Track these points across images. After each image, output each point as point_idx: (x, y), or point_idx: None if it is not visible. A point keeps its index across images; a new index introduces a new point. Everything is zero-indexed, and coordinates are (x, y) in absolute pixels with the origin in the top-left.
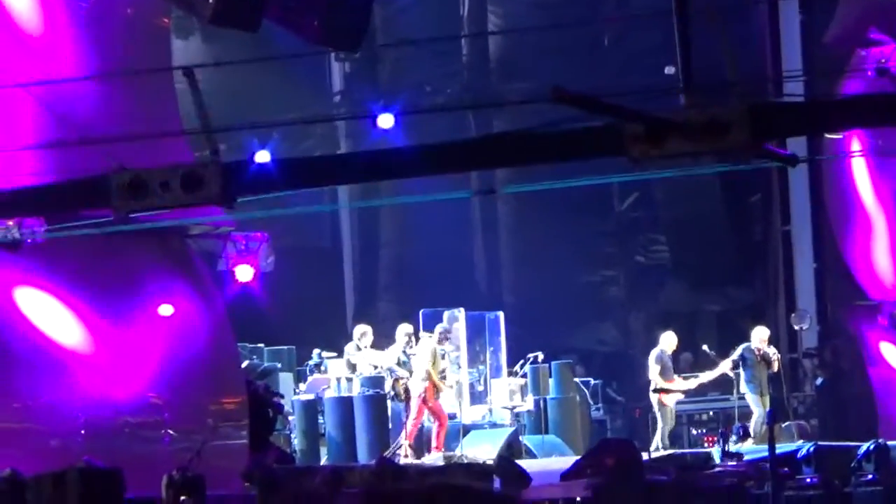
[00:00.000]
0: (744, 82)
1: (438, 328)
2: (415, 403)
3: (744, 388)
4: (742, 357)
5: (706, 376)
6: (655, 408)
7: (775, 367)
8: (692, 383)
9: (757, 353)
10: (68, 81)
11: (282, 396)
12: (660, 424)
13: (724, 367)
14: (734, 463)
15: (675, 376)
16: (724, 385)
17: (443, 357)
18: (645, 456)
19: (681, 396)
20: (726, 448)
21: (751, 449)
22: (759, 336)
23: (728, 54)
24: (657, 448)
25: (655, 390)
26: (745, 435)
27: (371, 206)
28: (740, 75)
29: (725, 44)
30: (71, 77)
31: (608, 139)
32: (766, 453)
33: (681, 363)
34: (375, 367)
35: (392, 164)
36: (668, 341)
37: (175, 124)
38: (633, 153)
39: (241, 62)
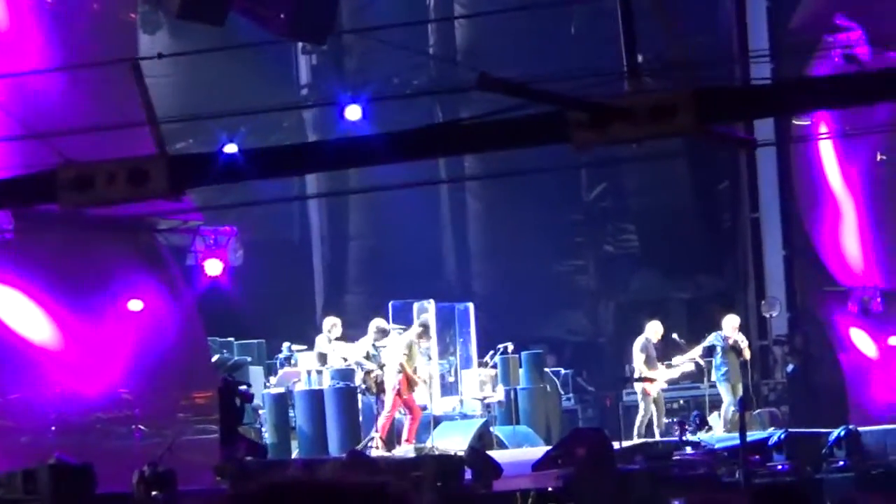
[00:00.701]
0: (700, 65)
1: (418, 323)
2: (389, 396)
3: (714, 375)
4: (712, 345)
5: (682, 363)
6: (639, 396)
7: (746, 354)
8: (675, 372)
9: (727, 340)
10: (25, 74)
11: (249, 385)
12: (640, 413)
13: (695, 353)
14: (692, 451)
15: (659, 365)
16: (696, 373)
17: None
18: (616, 445)
19: (664, 385)
20: (683, 437)
21: (722, 437)
22: (730, 324)
23: (672, 36)
24: (639, 436)
25: (639, 379)
26: (701, 424)
27: (333, 196)
28: (701, 58)
29: (667, 25)
30: (33, 72)
31: (552, 126)
32: (737, 441)
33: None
34: (345, 360)
35: (334, 153)
36: (653, 330)
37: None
38: (577, 140)
39: (193, 52)
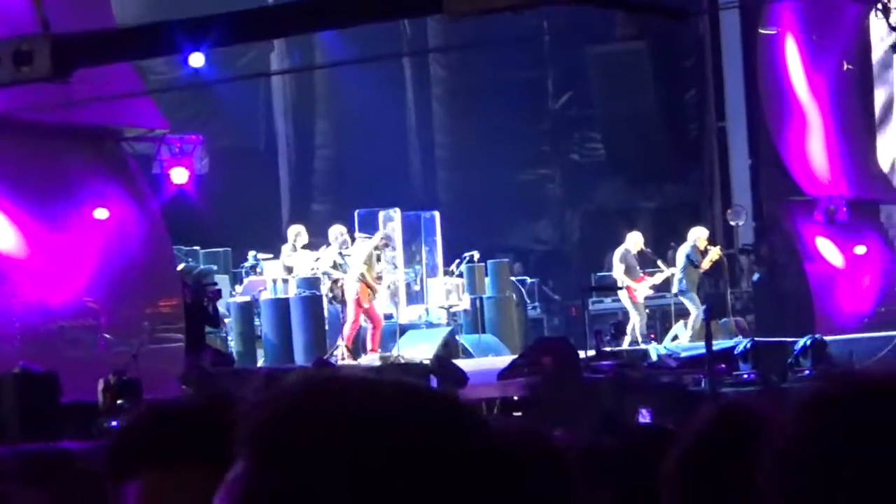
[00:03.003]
0: None
1: (380, 233)
2: (350, 306)
3: (675, 287)
4: (685, 255)
5: (669, 271)
6: (627, 305)
7: (704, 265)
8: (658, 278)
9: (696, 251)
10: None
11: (215, 284)
12: (634, 320)
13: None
14: (609, 362)
15: (642, 273)
16: (662, 283)
17: (378, 259)
18: (582, 354)
19: (649, 292)
20: (601, 348)
21: (688, 346)
22: (695, 235)
23: None
24: (634, 342)
25: (621, 288)
26: (617, 334)
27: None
28: None
29: None
30: None
31: None
32: (703, 350)
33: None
34: (311, 269)
35: (213, 28)
36: (633, 241)
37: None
38: (448, 9)
39: None
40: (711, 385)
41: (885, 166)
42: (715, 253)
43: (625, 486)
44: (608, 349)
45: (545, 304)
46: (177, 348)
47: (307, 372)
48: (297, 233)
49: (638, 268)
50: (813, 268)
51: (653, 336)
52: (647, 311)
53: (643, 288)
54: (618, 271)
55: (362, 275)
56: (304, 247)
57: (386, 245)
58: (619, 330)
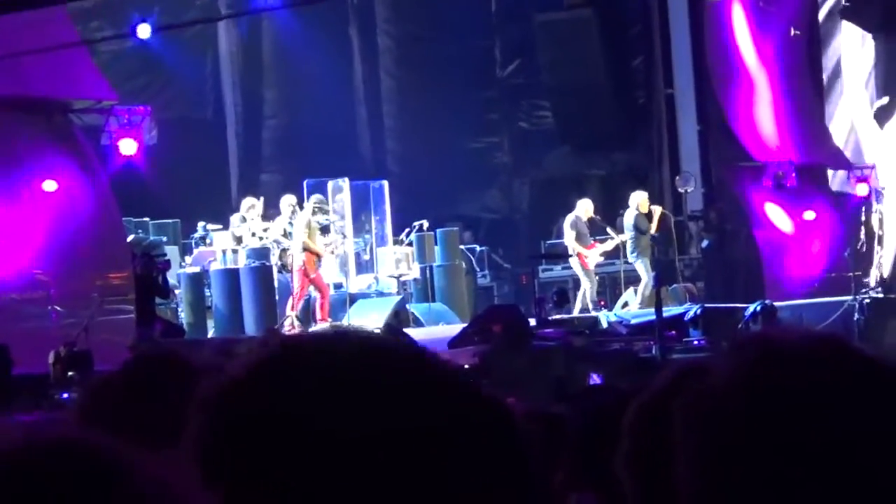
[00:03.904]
0: None
1: (312, 199)
2: (296, 276)
3: (630, 256)
4: (633, 224)
5: (618, 238)
6: (579, 272)
7: (652, 228)
8: (608, 245)
9: (642, 216)
10: None
11: (164, 255)
12: (585, 286)
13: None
14: (552, 330)
15: (592, 240)
16: (612, 250)
17: (328, 229)
18: (532, 322)
19: (600, 259)
20: (544, 316)
21: (638, 312)
22: (637, 199)
23: None
24: (584, 309)
25: (570, 255)
26: (560, 301)
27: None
28: None
29: None
30: None
31: None
32: (653, 317)
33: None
34: (261, 239)
35: None
36: (583, 208)
37: None
38: None
39: None
40: (661, 351)
41: (833, 132)
42: (658, 212)
43: (584, 452)
44: (554, 317)
45: (495, 272)
46: (127, 320)
47: (265, 339)
48: (250, 205)
49: (588, 235)
50: (762, 233)
51: (603, 303)
52: (597, 277)
53: (594, 255)
54: (569, 238)
55: (305, 243)
56: (254, 218)
57: (321, 209)
58: (563, 297)
